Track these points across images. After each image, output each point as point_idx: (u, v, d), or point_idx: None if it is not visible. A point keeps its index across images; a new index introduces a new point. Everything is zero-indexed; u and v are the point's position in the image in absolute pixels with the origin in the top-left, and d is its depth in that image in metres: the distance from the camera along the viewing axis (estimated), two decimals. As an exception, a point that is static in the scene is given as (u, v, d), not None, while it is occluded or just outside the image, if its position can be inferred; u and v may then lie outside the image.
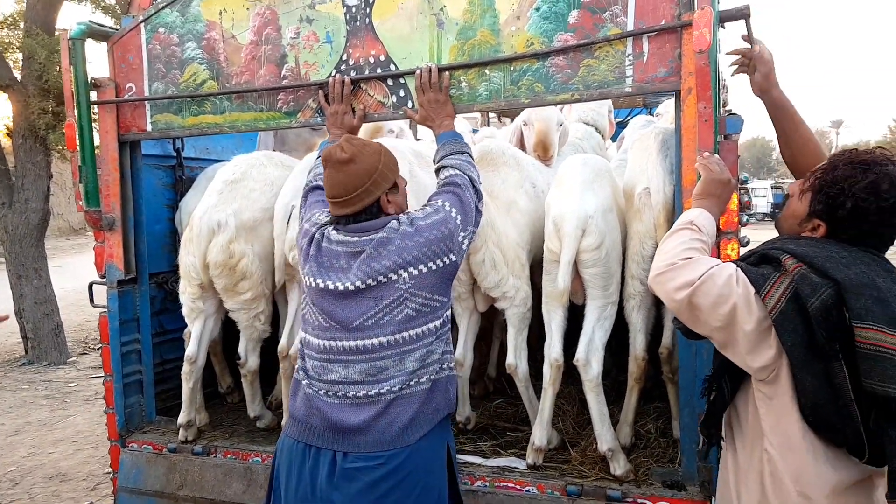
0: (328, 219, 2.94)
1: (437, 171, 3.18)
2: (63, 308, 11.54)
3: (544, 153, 4.65)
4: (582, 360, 3.55)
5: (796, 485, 2.23)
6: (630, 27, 3.17)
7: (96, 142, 4.12)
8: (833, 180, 2.28)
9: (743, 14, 3.01)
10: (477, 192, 3.04)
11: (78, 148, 4.01)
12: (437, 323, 2.82)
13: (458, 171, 3.04)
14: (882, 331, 2.05)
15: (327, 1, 3.66)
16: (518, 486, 3.44)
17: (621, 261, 3.71)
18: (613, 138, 6.11)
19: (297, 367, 2.98)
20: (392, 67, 3.57)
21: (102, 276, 4.25)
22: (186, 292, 4.19)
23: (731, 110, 3.59)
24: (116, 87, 4.11)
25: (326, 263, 2.82)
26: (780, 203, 2.62)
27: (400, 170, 2.99)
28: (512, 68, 3.38)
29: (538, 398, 3.74)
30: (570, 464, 3.66)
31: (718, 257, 2.98)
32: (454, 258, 2.81)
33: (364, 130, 4.79)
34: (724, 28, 3.16)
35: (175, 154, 5.10)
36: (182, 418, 4.11)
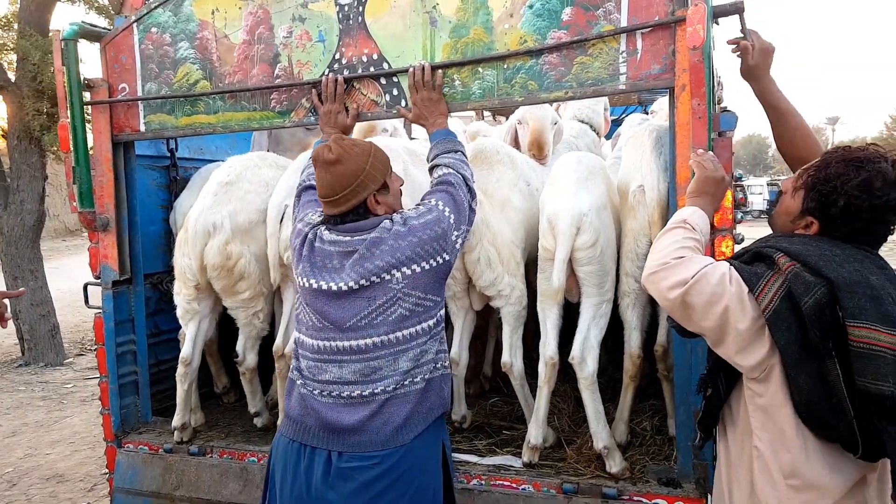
0: (321, 219, 2.93)
1: (431, 169, 3.17)
2: (59, 309, 11.53)
3: (539, 152, 4.65)
4: (577, 358, 3.54)
5: (788, 479, 2.23)
6: (623, 24, 3.16)
7: (90, 143, 4.11)
8: (826, 178, 2.27)
9: (737, 9, 3.01)
10: (471, 190, 3.04)
11: (71, 149, 4.00)
12: (431, 322, 2.81)
13: (451, 170, 3.03)
14: (875, 329, 2.05)
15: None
16: (514, 485, 3.44)
17: (616, 258, 3.70)
18: (608, 136, 6.09)
19: (291, 367, 2.97)
20: (385, 66, 3.56)
21: (97, 277, 4.24)
22: (181, 294, 4.19)
23: (725, 107, 3.59)
24: (110, 88, 4.10)
25: (319, 263, 2.81)
26: (775, 200, 2.61)
27: (394, 169, 2.98)
28: (505, 66, 3.38)
29: (534, 396, 3.74)
30: (565, 462, 3.66)
31: (713, 254, 2.98)
32: (448, 257, 2.80)
33: (358, 129, 4.79)
34: (717, 24, 3.16)
35: (169, 154, 5.09)
36: (176, 421, 4.10)
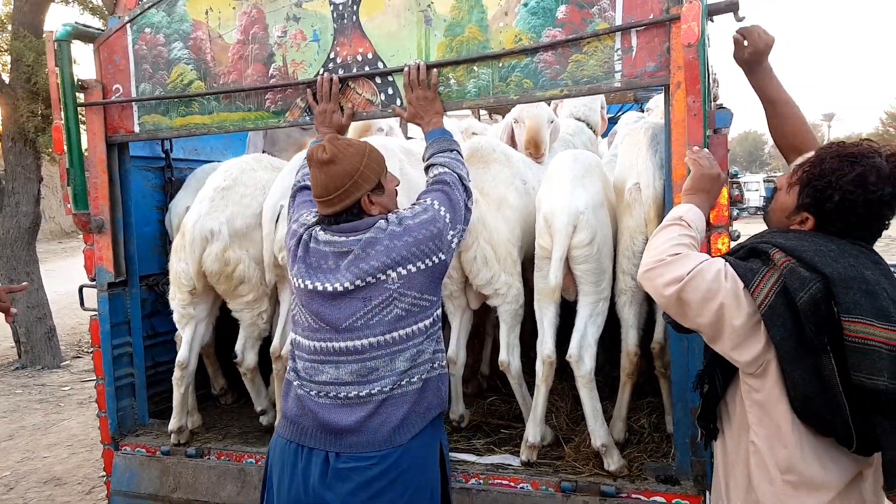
0: (315, 219, 2.92)
1: (426, 169, 3.16)
2: (56, 311, 11.49)
3: (536, 151, 4.64)
4: (574, 356, 3.54)
5: (784, 474, 2.23)
6: (618, 21, 3.16)
7: (84, 144, 4.10)
8: (821, 173, 2.27)
9: (731, 7, 3.01)
10: (466, 189, 3.03)
11: (66, 150, 3.99)
12: (427, 322, 2.80)
13: (446, 169, 3.02)
14: (870, 324, 2.05)
15: (314, -1, 3.65)
16: (512, 483, 3.43)
17: (613, 256, 3.70)
18: (605, 134, 6.09)
19: (288, 368, 2.96)
20: (380, 65, 3.56)
21: (92, 279, 4.23)
22: (176, 298, 4.18)
23: (721, 104, 3.59)
24: (103, 89, 4.08)
25: (315, 264, 2.80)
26: (770, 196, 2.62)
27: (389, 168, 2.97)
28: (500, 64, 3.37)
29: (531, 395, 3.73)
30: (563, 460, 3.66)
31: (709, 251, 2.98)
32: (443, 257, 2.79)
33: (353, 129, 4.78)
34: (712, 21, 3.15)
35: (164, 155, 5.08)
36: (173, 424, 4.09)
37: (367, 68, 3.58)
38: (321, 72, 3.64)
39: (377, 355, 2.73)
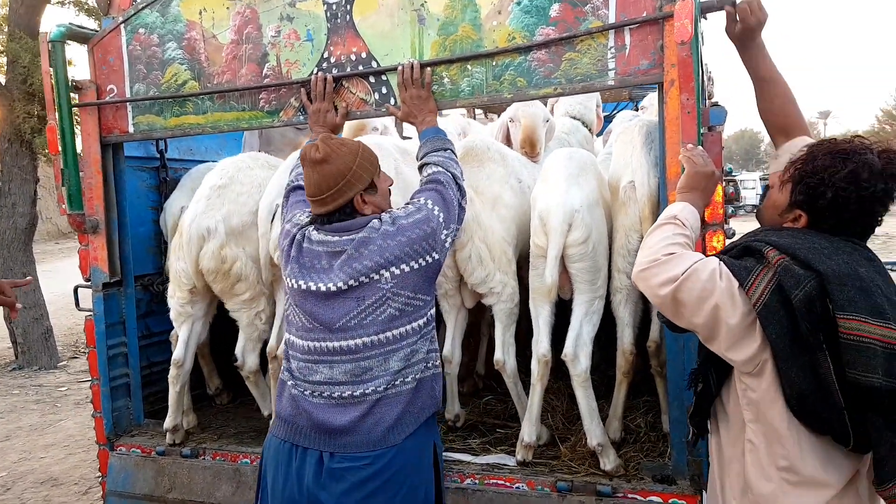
0: (309, 219, 2.92)
1: (420, 168, 3.16)
2: (53, 312, 11.49)
3: (531, 149, 4.64)
4: (570, 355, 3.54)
5: (783, 473, 2.23)
6: (612, 19, 3.16)
7: (79, 145, 4.09)
8: (813, 171, 2.27)
9: (724, 4, 3.00)
10: (460, 188, 3.03)
11: (60, 151, 3.98)
12: (421, 322, 2.80)
13: (440, 169, 3.02)
14: (865, 321, 2.05)
15: (307, -2, 3.64)
16: (508, 483, 3.43)
17: (608, 255, 3.69)
18: (600, 133, 6.09)
19: (282, 367, 2.96)
20: (374, 64, 3.55)
21: (87, 280, 4.23)
22: (175, 297, 4.17)
23: (716, 102, 3.58)
24: (98, 89, 4.08)
25: (308, 264, 2.80)
26: (763, 194, 2.61)
27: (385, 168, 2.97)
28: (494, 63, 3.37)
29: (527, 394, 3.72)
30: (559, 460, 3.65)
31: (704, 250, 2.98)
32: (437, 256, 2.79)
33: (348, 128, 4.78)
34: (705, 19, 3.15)
35: (158, 156, 5.06)
36: (168, 423, 4.09)
37: (360, 67, 3.57)
38: (315, 71, 3.64)
39: (371, 355, 2.73)
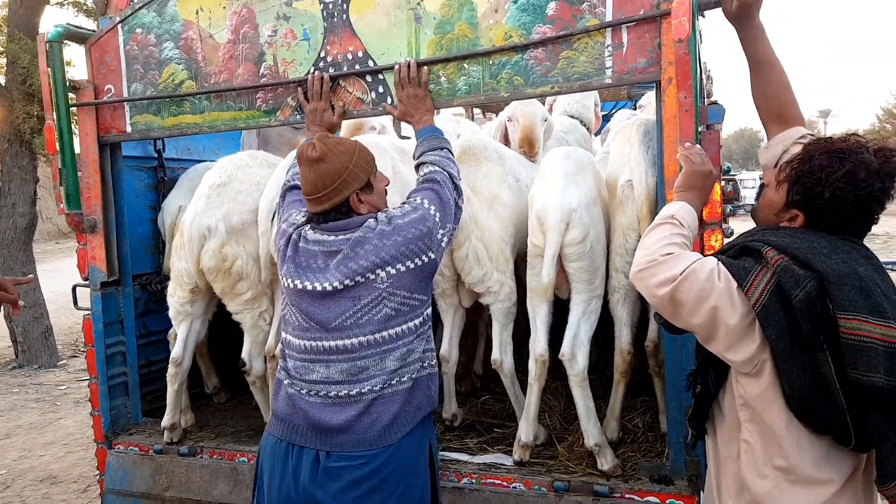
0: (305, 218, 2.92)
1: (417, 167, 3.16)
2: (53, 311, 11.51)
3: (530, 149, 4.63)
4: (567, 354, 3.53)
5: (780, 472, 2.23)
6: (609, 17, 3.15)
7: (77, 144, 4.09)
8: (810, 170, 2.26)
9: (721, 2, 2.99)
10: (457, 188, 3.02)
11: (58, 151, 3.98)
12: (417, 321, 2.80)
13: (437, 168, 3.02)
14: (865, 321, 2.05)
15: (304, -2, 3.64)
16: (504, 483, 3.42)
17: (606, 254, 3.68)
18: (598, 132, 6.08)
19: (279, 366, 2.96)
20: (370, 63, 3.55)
21: (85, 279, 4.22)
22: (176, 296, 4.16)
23: (715, 101, 3.58)
24: (95, 89, 4.08)
25: (304, 264, 2.80)
26: (758, 193, 2.60)
27: (382, 167, 2.97)
28: (491, 62, 3.36)
29: (524, 394, 3.72)
30: (557, 460, 3.64)
31: (702, 249, 2.97)
32: (433, 256, 2.79)
33: (346, 127, 4.77)
34: (703, 17, 3.14)
35: (156, 155, 5.06)
36: (166, 421, 4.08)
37: (357, 67, 3.57)
38: (312, 70, 3.63)
39: (367, 354, 2.73)
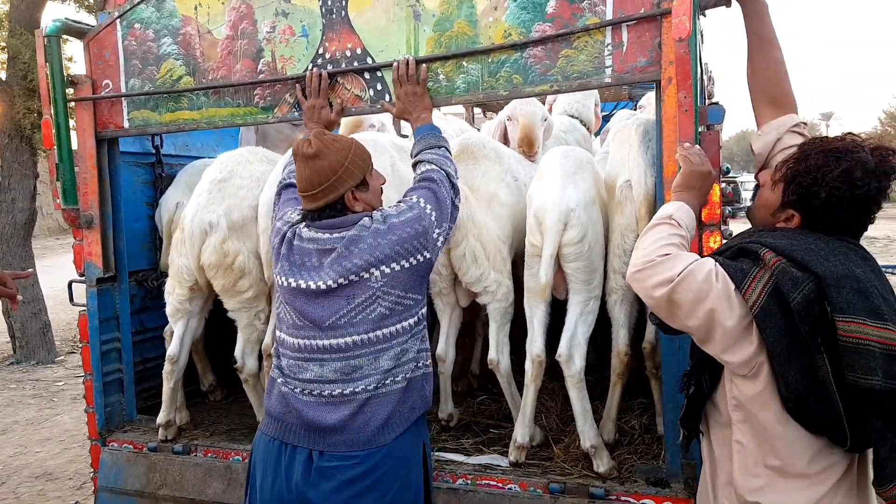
0: (299, 216, 2.90)
1: (414, 165, 3.14)
2: (52, 307, 11.50)
3: (529, 148, 4.61)
4: (564, 355, 3.51)
5: (773, 472, 2.23)
6: (609, 16, 3.13)
7: (74, 140, 4.08)
8: (806, 170, 2.24)
9: (722, 1, 2.98)
10: (454, 187, 3.00)
11: (55, 145, 3.97)
12: (412, 321, 2.78)
13: (434, 167, 3.00)
14: (863, 323, 2.04)
15: (303, -6, 3.62)
16: (500, 484, 3.40)
17: (604, 255, 3.66)
18: (598, 132, 6.06)
19: (272, 365, 2.94)
20: (369, 60, 3.53)
21: (82, 275, 4.21)
22: (175, 293, 4.14)
23: (716, 102, 3.56)
24: (93, 84, 4.06)
25: (298, 262, 2.78)
26: (753, 193, 2.59)
27: (381, 165, 2.95)
28: (490, 60, 3.34)
29: (521, 394, 3.70)
30: (552, 461, 3.62)
31: (701, 250, 2.95)
32: (428, 255, 2.77)
33: (345, 124, 4.76)
34: (704, 16, 3.12)
35: (154, 151, 5.05)
36: (161, 418, 4.06)
37: (355, 64, 3.55)
38: (310, 67, 3.62)
39: (361, 353, 2.71)
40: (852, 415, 2.10)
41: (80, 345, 4.47)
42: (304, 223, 2.84)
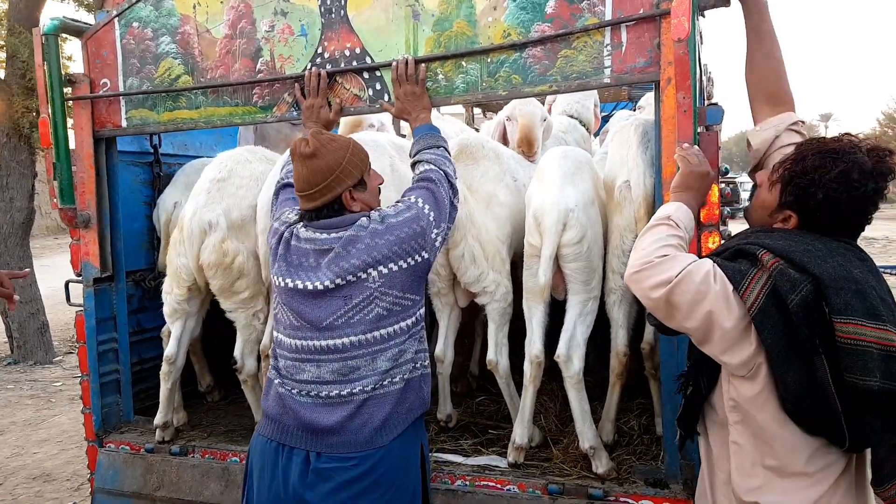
0: (297, 217, 2.89)
1: (413, 165, 3.13)
2: (49, 307, 11.47)
3: (529, 149, 4.61)
4: (563, 356, 3.50)
5: (771, 472, 2.22)
6: (608, 16, 3.13)
7: (72, 139, 4.07)
8: (803, 171, 2.24)
9: (722, 1, 2.97)
10: (452, 187, 2.99)
11: (52, 144, 3.96)
12: (410, 322, 2.77)
13: (432, 166, 2.99)
14: (861, 324, 2.04)
15: (302, -7, 3.61)
16: (499, 485, 3.39)
17: (603, 255, 3.66)
18: (597, 132, 6.06)
19: (270, 366, 2.93)
20: (368, 60, 3.52)
21: (79, 275, 4.20)
22: (173, 293, 4.12)
23: (715, 103, 3.55)
24: (91, 83, 4.05)
25: (295, 262, 2.77)
26: (750, 194, 2.58)
27: (380, 165, 2.94)
28: (489, 60, 3.34)
29: (520, 395, 3.69)
30: (551, 462, 3.62)
31: (699, 251, 2.94)
32: (426, 256, 2.76)
33: (344, 124, 4.75)
34: (703, 16, 3.12)
35: (152, 150, 5.04)
36: (158, 419, 4.05)
37: (354, 63, 3.54)
38: (309, 67, 3.61)
39: (358, 354, 2.70)
40: (850, 415, 2.10)
41: (77, 345, 4.45)
42: (301, 223, 2.83)
